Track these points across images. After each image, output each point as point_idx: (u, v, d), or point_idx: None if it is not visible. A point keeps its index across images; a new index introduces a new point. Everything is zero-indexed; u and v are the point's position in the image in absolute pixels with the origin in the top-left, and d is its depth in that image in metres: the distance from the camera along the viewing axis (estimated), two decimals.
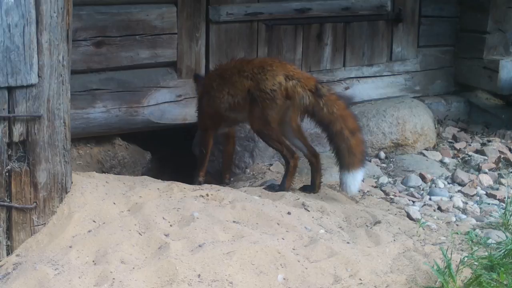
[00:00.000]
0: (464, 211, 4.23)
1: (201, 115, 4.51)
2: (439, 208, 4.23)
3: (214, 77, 4.36)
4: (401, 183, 4.68)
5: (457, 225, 3.90)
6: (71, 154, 3.47)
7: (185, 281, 2.91)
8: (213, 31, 4.99)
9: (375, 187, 4.57)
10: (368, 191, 4.42)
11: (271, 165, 4.80)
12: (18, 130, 3.09)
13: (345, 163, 3.97)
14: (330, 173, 4.60)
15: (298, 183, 4.38)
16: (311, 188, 4.19)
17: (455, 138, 5.59)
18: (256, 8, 5.12)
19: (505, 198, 4.27)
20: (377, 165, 4.95)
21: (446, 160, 5.13)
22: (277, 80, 4.03)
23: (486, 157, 5.11)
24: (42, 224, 3.22)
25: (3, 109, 3.03)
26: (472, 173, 4.85)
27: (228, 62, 4.41)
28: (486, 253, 3.35)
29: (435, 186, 4.61)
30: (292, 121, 4.18)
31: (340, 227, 3.62)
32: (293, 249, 3.24)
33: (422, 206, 4.25)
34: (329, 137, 4.04)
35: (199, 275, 2.95)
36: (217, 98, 4.26)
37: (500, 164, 5.01)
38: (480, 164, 4.96)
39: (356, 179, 3.97)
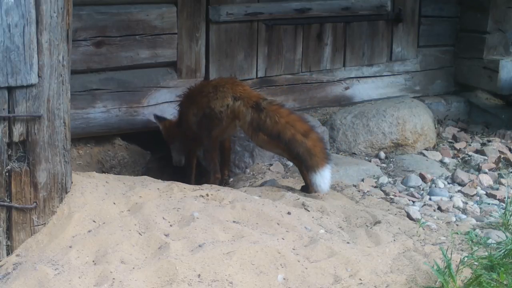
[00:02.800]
0: (464, 211, 4.23)
1: (183, 138, 4.70)
2: (439, 208, 4.23)
3: (185, 101, 4.58)
4: (401, 183, 4.68)
5: (457, 225, 3.90)
6: (71, 154, 3.47)
7: (185, 281, 2.91)
8: (213, 31, 4.99)
9: (375, 187, 4.57)
10: (368, 191, 4.42)
11: (271, 165, 4.80)
12: (18, 130, 3.09)
13: (310, 165, 4.01)
14: None
15: (298, 183, 4.38)
16: (306, 188, 4.23)
17: (455, 138, 5.59)
18: (256, 8, 5.12)
19: (505, 198, 4.27)
20: (377, 165, 4.95)
21: (446, 160, 5.13)
22: (225, 102, 4.25)
23: (486, 157, 5.11)
24: (42, 224, 3.22)
25: (3, 109, 3.03)
26: (472, 173, 4.85)
27: (196, 85, 4.62)
28: (486, 253, 3.35)
29: (435, 186, 4.61)
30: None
31: (340, 227, 3.62)
32: (293, 249, 3.24)
33: (422, 206, 4.25)
34: (286, 146, 4.09)
35: (199, 275, 2.95)
36: (188, 119, 4.49)
37: (500, 164, 5.01)
38: (480, 164, 4.96)
39: (324, 177, 4.00)
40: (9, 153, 3.09)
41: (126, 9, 4.61)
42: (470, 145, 5.44)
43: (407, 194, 4.46)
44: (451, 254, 3.26)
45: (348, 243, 3.40)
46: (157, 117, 4.73)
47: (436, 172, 4.85)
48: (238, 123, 4.29)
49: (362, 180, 4.64)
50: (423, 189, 4.58)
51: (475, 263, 3.26)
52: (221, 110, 4.26)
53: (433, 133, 5.45)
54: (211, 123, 4.31)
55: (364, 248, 3.36)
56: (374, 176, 4.74)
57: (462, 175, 4.75)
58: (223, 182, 4.53)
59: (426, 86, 6.02)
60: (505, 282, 3.12)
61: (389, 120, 5.25)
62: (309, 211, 3.71)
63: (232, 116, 4.25)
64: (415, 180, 4.68)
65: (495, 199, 4.44)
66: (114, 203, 3.46)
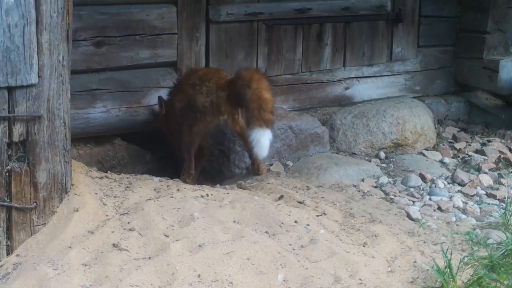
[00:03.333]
0: (464, 211, 4.23)
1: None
2: (439, 208, 4.23)
3: (173, 88, 4.65)
4: (401, 183, 4.68)
5: (457, 225, 3.90)
6: (71, 154, 3.47)
7: (185, 281, 2.91)
8: (213, 31, 4.99)
9: (375, 187, 4.57)
10: (368, 191, 4.42)
11: (271, 165, 4.80)
12: (18, 130, 3.09)
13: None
14: (330, 173, 4.60)
15: (298, 182, 4.38)
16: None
17: (455, 138, 5.59)
18: (256, 8, 5.12)
19: (505, 198, 4.27)
20: (377, 165, 4.94)
21: (446, 160, 5.13)
22: (209, 98, 4.32)
23: (486, 157, 5.11)
24: (42, 224, 3.22)
25: (3, 109, 3.03)
26: (472, 173, 4.84)
27: (184, 73, 4.69)
28: (486, 253, 3.35)
29: (435, 186, 4.61)
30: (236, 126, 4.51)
31: (340, 227, 3.62)
32: (293, 249, 3.24)
33: (422, 206, 4.25)
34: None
35: (199, 275, 2.95)
36: (174, 105, 4.52)
37: (500, 164, 5.01)
38: (480, 164, 4.96)
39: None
40: (9, 153, 3.09)
41: (126, 9, 4.61)
42: (470, 145, 5.44)
43: (407, 194, 4.45)
44: (451, 254, 3.26)
45: (348, 243, 3.40)
46: (162, 100, 4.69)
47: (436, 172, 4.85)
48: (222, 119, 4.36)
49: (362, 180, 4.64)
50: (423, 189, 4.58)
51: (476, 263, 3.26)
52: (205, 105, 4.31)
53: (433, 133, 5.45)
54: (194, 116, 4.35)
55: (364, 248, 3.36)
56: (374, 176, 4.74)
57: (462, 175, 4.75)
58: (256, 171, 4.57)
59: (426, 86, 6.02)
60: (505, 282, 3.12)
61: (389, 120, 5.24)
62: (309, 211, 3.71)
63: (217, 112, 4.32)
64: (415, 180, 4.68)
65: (495, 199, 4.44)
66: (114, 203, 3.46)
